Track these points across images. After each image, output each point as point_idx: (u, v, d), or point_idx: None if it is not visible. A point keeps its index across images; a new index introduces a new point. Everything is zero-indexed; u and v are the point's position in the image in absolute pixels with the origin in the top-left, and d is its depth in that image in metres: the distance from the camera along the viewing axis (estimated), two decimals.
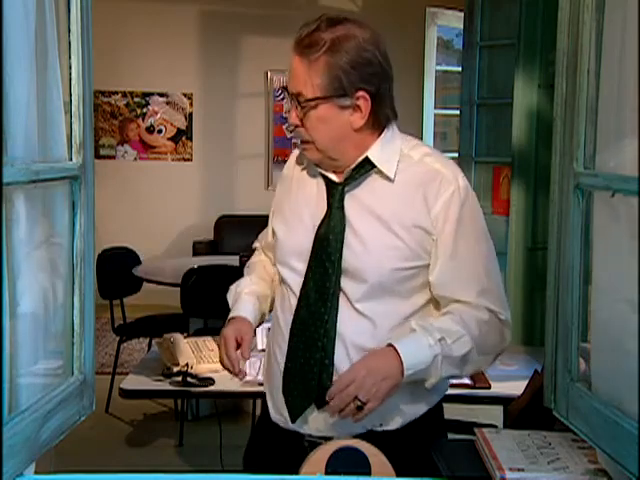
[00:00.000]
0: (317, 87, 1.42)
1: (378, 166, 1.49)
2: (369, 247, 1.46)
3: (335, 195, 1.51)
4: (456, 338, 1.42)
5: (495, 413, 2.37)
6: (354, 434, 1.48)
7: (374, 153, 1.49)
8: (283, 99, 6.46)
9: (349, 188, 1.51)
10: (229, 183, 6.65)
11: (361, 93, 1.42)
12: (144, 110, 6.60)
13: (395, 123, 1.54)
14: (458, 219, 1.46)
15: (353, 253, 1.46)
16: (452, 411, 2.47)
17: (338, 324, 1.46)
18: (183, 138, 6.65)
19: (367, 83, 1.42)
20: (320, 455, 1.42)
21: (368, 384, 1.35)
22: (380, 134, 1.51)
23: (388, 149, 1.49)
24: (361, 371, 1.37)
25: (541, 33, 3.47)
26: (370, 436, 1.46)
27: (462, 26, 4.17)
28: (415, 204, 1.46)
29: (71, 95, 1.25)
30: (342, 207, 1.49)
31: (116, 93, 6.54)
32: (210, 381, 2.28)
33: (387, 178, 1.49)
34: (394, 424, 1.52)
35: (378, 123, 1.48)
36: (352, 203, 1.50)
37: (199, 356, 2.42)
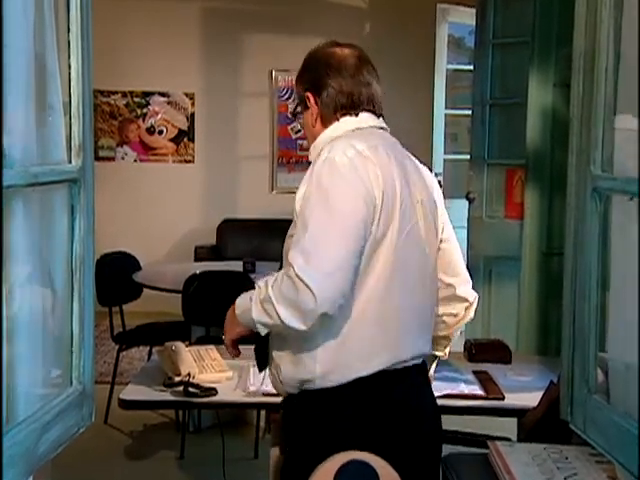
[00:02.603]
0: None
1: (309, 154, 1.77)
2: None
3: None
4: (264, 284, 1.59)
5: (509, 425, 2.36)
6: (286, 393, 1.70)
7: (313, 144, 1.76)
8: (288, 99, 6.47)
9: None
10: (232, 186, 6.66)
11: (307, 94, 1.77)
12: (144, 110, 6.61)
13: (354, 120, 1.73)
14: (309, 186, 1.60)
15: None
16: (464, 423, 2.47)
17: None
18: (184, 139, 6.66)
19: (311, 85, 1.76)
20: (329, 466, 1.43)
21: (225, 321, 1.74)
22: None
23: (322, 140, 1.73)
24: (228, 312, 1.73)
25: (556, 30, 3.47)
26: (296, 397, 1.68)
27: (474, 23, 4.18)
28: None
29: (70, 96, 1.26)
30: None
31: (115, 93, 6.55)
32: (212, 391, 2.28)
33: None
34: (287, 389, 1.69)
35: (326, 119, 1.76)
36: None
37: (201, 365, 2.42)
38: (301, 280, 1.49)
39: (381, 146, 1.67)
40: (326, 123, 1.75)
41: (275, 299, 1.53)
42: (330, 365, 1.60)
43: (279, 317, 1.53)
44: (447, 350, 1.94)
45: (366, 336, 1.61)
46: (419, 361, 1.71)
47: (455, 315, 1.85)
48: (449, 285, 1.83)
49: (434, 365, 1.98)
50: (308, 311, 1.50)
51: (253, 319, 1.59)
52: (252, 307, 1.59)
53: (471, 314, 1.87)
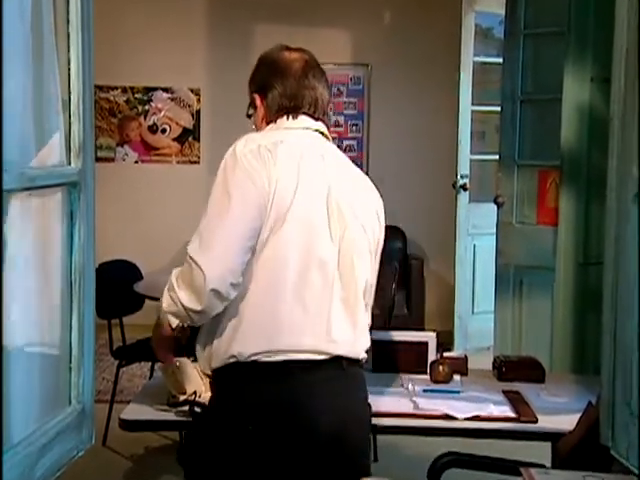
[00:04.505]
0: None
1: None
2: None
3: None
4: (172, 275, 1.81)
5: (542, 451, 2.35)
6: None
7: None
8: None
9: None
10: None
11: (255, 95, 2.01)
12: (146, 107, 6.65)
13: (290, 122, 1.95)
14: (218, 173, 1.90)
15: None
16: (494, 447, 2.46)
17: None
18: (189, 138, 6.70)
19: (259, 87, 1.99)
20: None
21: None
22: None
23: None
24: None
25: (594, 20, 3.46)
26: None
27: (503, 12, 4.17)
28: None
29: (70, 93, 1.27)
30: None
31: (115, 88, 6.60)
32: None
33: None
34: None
35: (270, 120, 1.98)
36: None
37: (208, 383, 2.42)
38: (192, 259, 1.74)
39: (287, 144, 1.86)
40: (270, 124, 1.98)
41: (177, 285, 1.77)
42: (213, 348, 1.83)
43: (180, 301, 1.75)
44: None
45: (239, 329, 1.79)
46: (317, 357, 1.81)
47: None
48: None
49: None
50: (199, 288, 1.72)
51: (164, 310, 1.81)
52: (162, 300, 1.81)
53: None
